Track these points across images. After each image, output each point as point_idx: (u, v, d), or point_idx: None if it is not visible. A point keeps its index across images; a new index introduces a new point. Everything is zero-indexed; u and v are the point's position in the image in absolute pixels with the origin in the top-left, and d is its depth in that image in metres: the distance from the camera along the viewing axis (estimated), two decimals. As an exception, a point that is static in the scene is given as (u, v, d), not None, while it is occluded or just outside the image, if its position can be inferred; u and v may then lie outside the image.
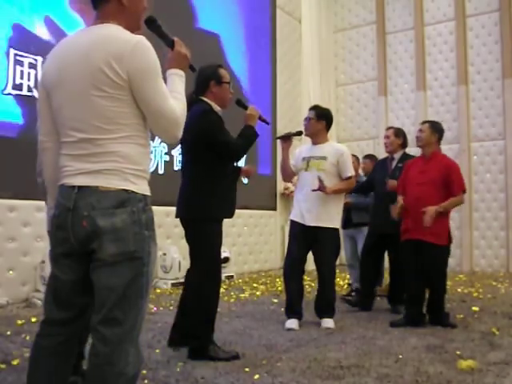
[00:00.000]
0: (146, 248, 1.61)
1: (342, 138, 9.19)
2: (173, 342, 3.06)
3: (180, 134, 1.67)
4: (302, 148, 4.29)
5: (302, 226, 3.99)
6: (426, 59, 8.79)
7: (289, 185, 8.31)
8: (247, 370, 2.76)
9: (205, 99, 3.00)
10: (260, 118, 3.16)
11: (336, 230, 4.04)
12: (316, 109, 4.16)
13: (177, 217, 3.08)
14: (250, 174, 3.41)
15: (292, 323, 3.87)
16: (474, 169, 8.27)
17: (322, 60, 9.30)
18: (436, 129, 4.07)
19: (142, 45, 1.57)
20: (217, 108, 3.02)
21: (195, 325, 2.93)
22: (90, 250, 1.57)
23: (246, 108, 3.16)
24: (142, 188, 1.63)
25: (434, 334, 3.63)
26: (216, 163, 2.97)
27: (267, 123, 3.33)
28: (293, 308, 3.95)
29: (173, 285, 5.70)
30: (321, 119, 4.07)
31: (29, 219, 4.80)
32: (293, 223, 4.11)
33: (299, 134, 4.09)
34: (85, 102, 1.56)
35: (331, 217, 3.96)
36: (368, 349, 3.23)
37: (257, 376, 2.67)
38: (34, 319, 3.94)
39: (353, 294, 5.07)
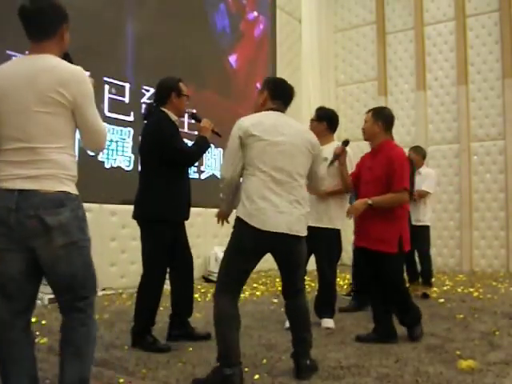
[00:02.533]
0: (87, 237, 1.99)
1: (343, 137, 9.17)
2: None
3: (105, 146, 2.12)
4: None
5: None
6: (425, 59, 8.79)
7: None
8: (247, 370, 2.76)
9: (163, 109, 3.31)
10: (213, 131, 3.43)
11: (337, 230, 4.04)
12: (318, 110, 4.20)
13: (133, 217, 3.43)
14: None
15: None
16: (474, 169, 8.26)
17: (321, 60, 9.30)
18: (379, 116, 3.46)
19: (83, 75, 1.96)
20: (174, 117, 3.33)
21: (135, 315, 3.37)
22: (36, 245, 1.87)
23: (199, 121, 3.46)
24: (75, 189, 1.96)
25: (434, 334, 3.63)
26: (166, 168, 3.23)
27: (219, 135, 3.53)
28: None
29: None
30: (322, 120, 4.10)
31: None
32: None
33: None
34: (29, 117, 1.86)
35: (331, 217, 3.96)
36: (368, 349, 3.23)
37: (257, 376, 2.68)
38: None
39: (352, 293, 5.07)
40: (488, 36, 8.30)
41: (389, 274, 3.38)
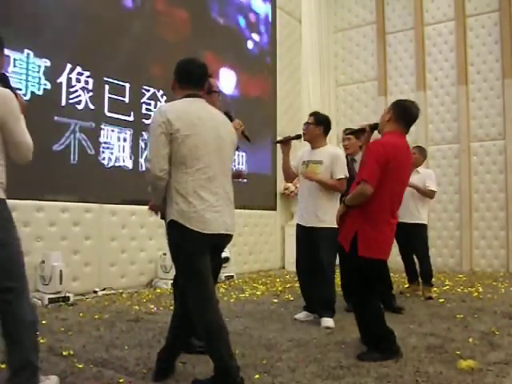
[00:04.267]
0: (12, 235, 2.32)
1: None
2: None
3: (31, 157, 2.35)
4: (304, 151, 4.41)
5: (303, 228, 4.19)
6: (425, 59, 8.79)
7: (289, 185, 8.31)
8: (247, 370, 2.76)
9: None
10: (242, 133, 3.27)
11: (334, 229, 4.06)
12: (315, 115, 4.31)
13: (161, 218, 3.21)
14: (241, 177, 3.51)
15: (300, 315, 4.24)
16: (474, 169, 8.26)
17: (322, 60, 9.30)
18: (393, 106, 3.20)
19: (9, 95, 2.26)
20: None
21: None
22: None
23: (231, 120, 3.28)
24: (1, 194, 2.31)
25: (434, 334, 3.63)
26: None
27: (249, 140, 3.42)
28: (305, 301, 4.28)
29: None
30: (319, 125, 4.22)
31: (29, 219, 4.79)
32: (296, 225, 4.32)
33: (298, 137, 4.26)
34: None
35: (328, 217, 4.01)
36: (368, 349, 3.22)
37: (257, 376, 2.68)
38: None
39: None
40: (488, 36, 8.30)
41: (353, 269, 3.16)
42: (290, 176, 4.42)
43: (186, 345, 3.03)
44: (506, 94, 8.02)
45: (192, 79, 2.62)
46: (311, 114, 4.36)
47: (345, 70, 9.71)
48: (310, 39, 9.10)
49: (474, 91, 8.33)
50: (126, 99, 5.98)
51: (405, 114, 3.15)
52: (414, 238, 5.39)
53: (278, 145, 4.47)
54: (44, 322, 3.92)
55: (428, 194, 5.52)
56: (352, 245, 3.06)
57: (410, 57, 8.95)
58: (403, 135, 3.17)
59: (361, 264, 3.05)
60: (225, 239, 2.60)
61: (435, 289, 5.68)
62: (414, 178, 5.47)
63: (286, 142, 4.21)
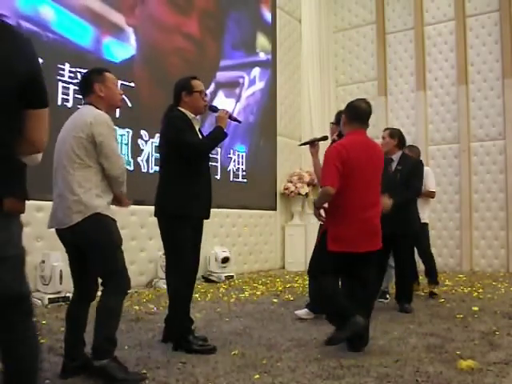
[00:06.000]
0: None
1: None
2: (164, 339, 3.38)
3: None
4: None
5: None
6: (425, 59, 8.79)
7: (289, 185, 8.31)
8: (247, 370, 2.76)
9: (180, 108, 3.28)
10: (231, 118, 3.39)
11: None
12: (337, 116, 4.33)
13: (154, 215, 3.34)
14: None
15: (301, 311, 4.23)
16: (474, 169, 8.27)
17: (322, 60, 9.30)
18: (345, 109, 3.56)
19: None
20: (191, 115, 3.28)
21: (171, 320, 3.33)
22: None
23: (216, 112, 3.39)
24: None
25: (433, 334, 3.63)
26: (183, 165, 3.18)
27: (239, 122, 3.61)
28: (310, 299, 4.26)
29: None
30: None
31: (29, 219, 4.79)
32: (320, 226, 4.30)
33: (325, 139, 4.20)
34: None
35: None
36: (368, 349, 3.22)
37: (257, 376, 2.67)
38: (33, 319, 3.93)
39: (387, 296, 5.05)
40: (488, 36, 8.30)
41: None
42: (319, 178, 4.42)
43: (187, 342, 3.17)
44: (506, 94, 8.02)
45: (81, 91, 2.85)
46: (335, 115, 4.49)
47: (345, 70, 9.71)
48: (310, 39, 9.10)
49: (474, 91, 8.33)
50: (126, 100, 5.98)
51: (355, 112, 3.40)
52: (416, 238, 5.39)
53: (281, 145, 4.50)
54: (44, 322, 3.92)
55: (428, 196, 5.56)
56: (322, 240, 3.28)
57: (410, 57, 8.95)
58: (361, 131, 3.37)
59: (330, 258, 3.19)
60: (66, 233, 2.61)
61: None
62: None
63: (313, 144, 4.07)
